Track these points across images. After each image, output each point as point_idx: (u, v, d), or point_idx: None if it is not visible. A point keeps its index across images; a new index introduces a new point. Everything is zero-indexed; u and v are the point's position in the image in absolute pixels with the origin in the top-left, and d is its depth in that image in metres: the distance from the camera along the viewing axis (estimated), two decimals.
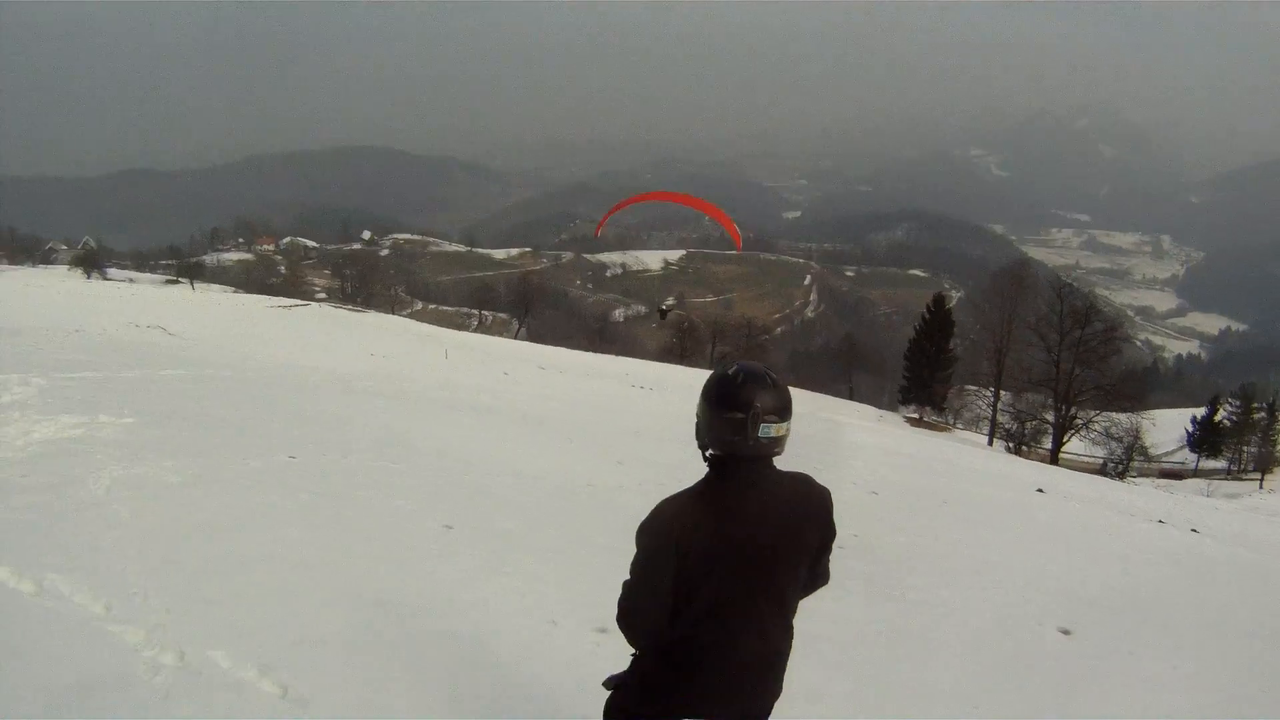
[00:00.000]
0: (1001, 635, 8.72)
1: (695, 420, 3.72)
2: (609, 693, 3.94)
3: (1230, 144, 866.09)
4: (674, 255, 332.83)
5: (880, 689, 6.74)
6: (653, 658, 3.71)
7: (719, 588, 3.54)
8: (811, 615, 7.96)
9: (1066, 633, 9.09)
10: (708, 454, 3.68)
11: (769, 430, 3.55)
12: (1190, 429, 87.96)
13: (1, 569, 6.15)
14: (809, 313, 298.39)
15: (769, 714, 3.94)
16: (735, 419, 3.53)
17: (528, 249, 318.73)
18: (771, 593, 3.68)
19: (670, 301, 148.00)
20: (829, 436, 32.97)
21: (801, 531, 3.74)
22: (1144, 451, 69.56)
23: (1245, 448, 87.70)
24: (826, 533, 3.90)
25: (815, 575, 3.98)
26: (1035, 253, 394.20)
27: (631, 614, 3.64)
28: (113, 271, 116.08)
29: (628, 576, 3.64)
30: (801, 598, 3.94)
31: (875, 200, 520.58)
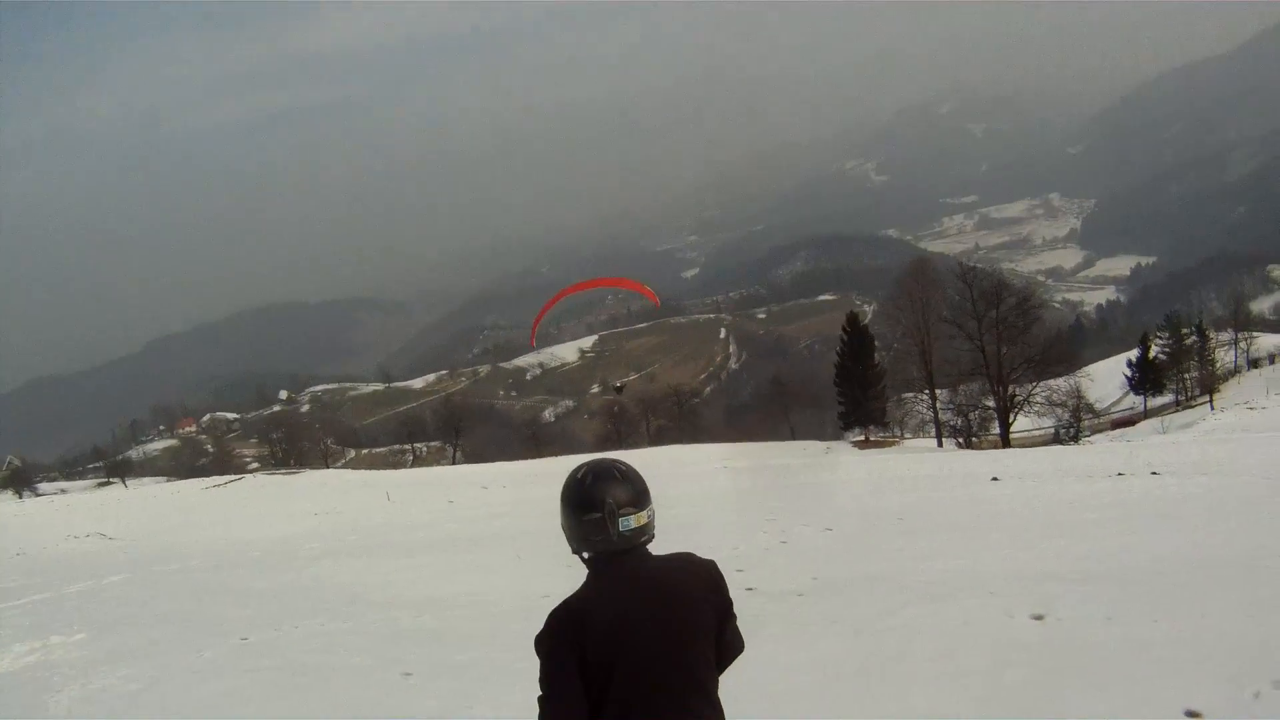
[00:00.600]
0: (973, 639, 8.69)
1: (561, 528, 3.77)
2: None
3: (1091, 87, 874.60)
4: (587, 342, 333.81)
5: None
6: None
7: (628, 683, 3.54)
8: (779, 667, 8.06)
9: (1039, 617, 9.09)
10: (584, 556, 3.75)
11: (629, 522, 3.62)
12: (1128, 374, 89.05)
13: None
14: (733, 364, 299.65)
15: None
16: (594, 519, 3.61)
17: (444, 371, 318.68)
18: (680, 673, 3.66)
19: (619, 382, 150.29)
20: (777, 483, 33.05)
21: (692, 609, 3.73)
22: (1090, 409, 70.06)
23: (1187, 375, 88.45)
24: (721, 603, 3.88)
25: (726, 647, 3.93)
26: (934, 246, 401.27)
27: None
28: (43, 486, 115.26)
29: (539, 692, 3.60)
30: (720, 671, 3.91)
31: (769, 237, 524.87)
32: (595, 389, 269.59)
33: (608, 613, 3.54)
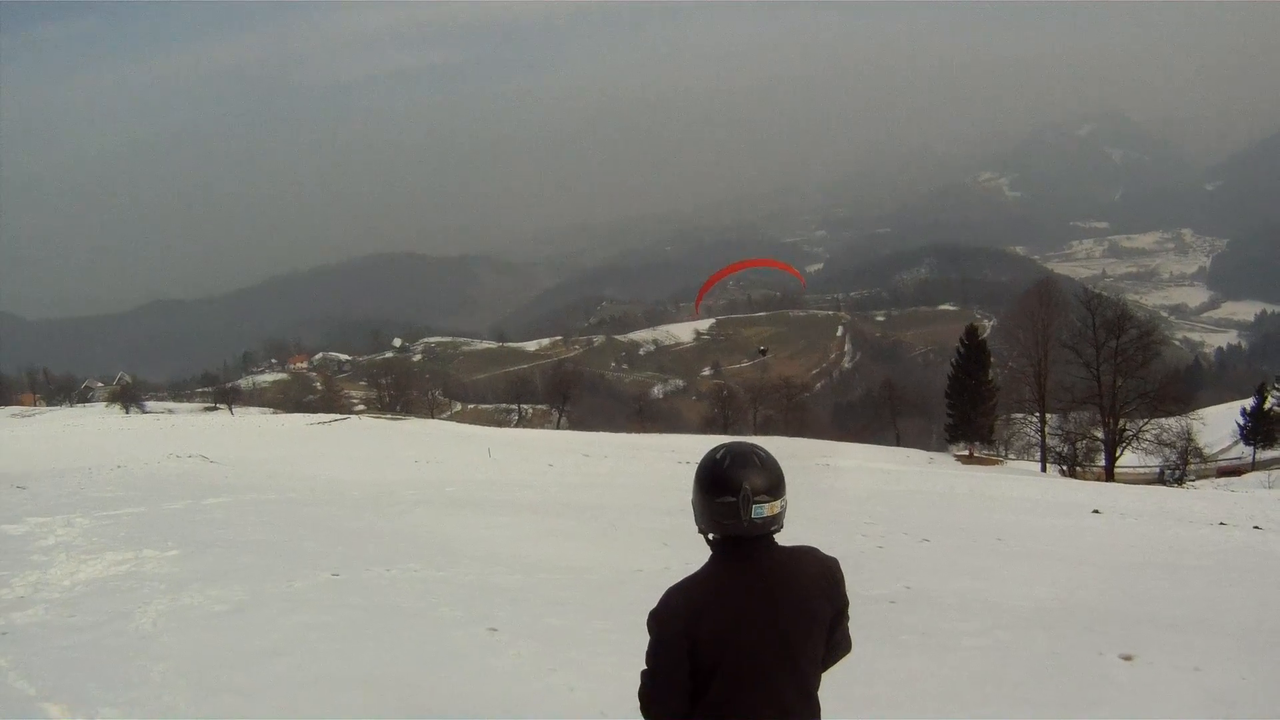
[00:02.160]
0: (1061, 671, 8.59)
1: (691, 506, 3.76)
2: None
3: (1236, 125, 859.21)
4: (704, 325, 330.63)
5: None
6: None
7: (735, 670, 3.55)
8: (862, 675, 7.98)
9: (1129, 658, 8.93)
10: (709, 538, 3.74)
11: (761, 510, 3.58)
12: (1241, 421, 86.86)
13: (54, 707, 6.21)
14: (846, 363, 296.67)
15: None
16: (727, 503, 3.57)
17: (558, 337, 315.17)
18: (788, 669, 3.67)
19: (764, 347, 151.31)
20: (878, 488, 32.76)
21: (810, 605, 3.73)
22: (1198, 453, 68.85)
23: None
24: (838, 603, 3.89)
25: (834, 645, 3.98)
26: (1059, 268, 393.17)
27: (651, 702, 3.65)
28: (150, 404, 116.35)
29: (644, 666, 3.65)
30: (825, 669, 3.95)
31: (895, 241, 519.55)
32: (707, 371, 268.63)
33: (725, 600, 3.56)
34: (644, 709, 3.65)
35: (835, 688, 6.37)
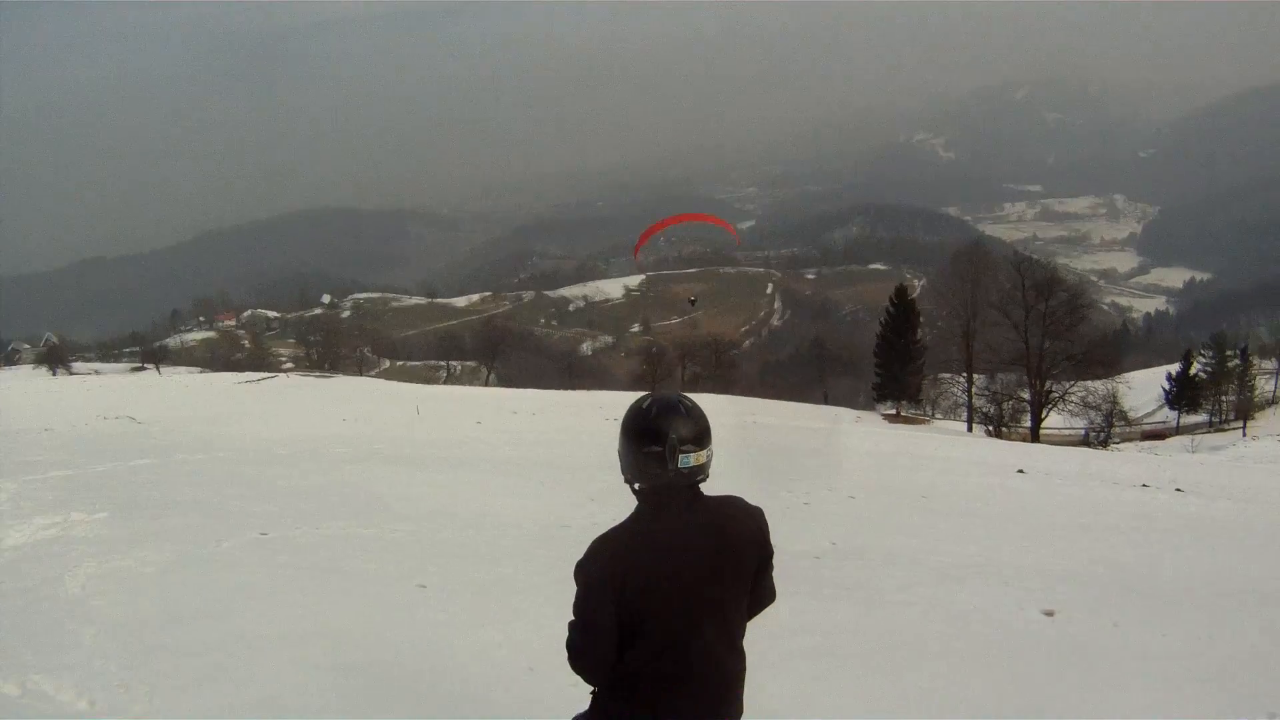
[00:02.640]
0: (984, 625, 8.75)
1: (618, 456, 3.78)
2: None
3: (1174, 94, 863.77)
4: (634, 281, 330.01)
5: (863, 697, 6.76)
6: (610, 693, 3.79)
7: (661, 620, 3.60)
8: (791, 629, 8.10)
9: (1050, 614, 9.11)
10: (635, 487, 3.76)
11: (688, 460, 3.63)
12: (1167, 387, 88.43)
13: None
14: (775, 321, 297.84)
15: None
16: (653, 452, 3.62)
17: (488, 293, 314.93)
18: (715, 618, 3.73)
19: (694, 297, 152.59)
20: (804, 445, 32.96)
21: (736, 554, 3.80)
22: (1123, 416, 69.86)
23: (1224, 397, 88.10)
24: (764, 552, 3.97)
25: (759, 595, 4.05)
26: (991, 230, 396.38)
27: (579, 652, 3.69)
28: (78, 365, 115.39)
29: (572, 616, 3.69)
30: (749, 618, 4.01)
31: (827, 199, 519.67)
32: (636, 328, 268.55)
33: (651, 550, 3.62)
34: (571, 659, 3.71)
35: (761, 639, 6.53)
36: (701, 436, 3.69)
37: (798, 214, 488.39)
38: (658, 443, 3.60)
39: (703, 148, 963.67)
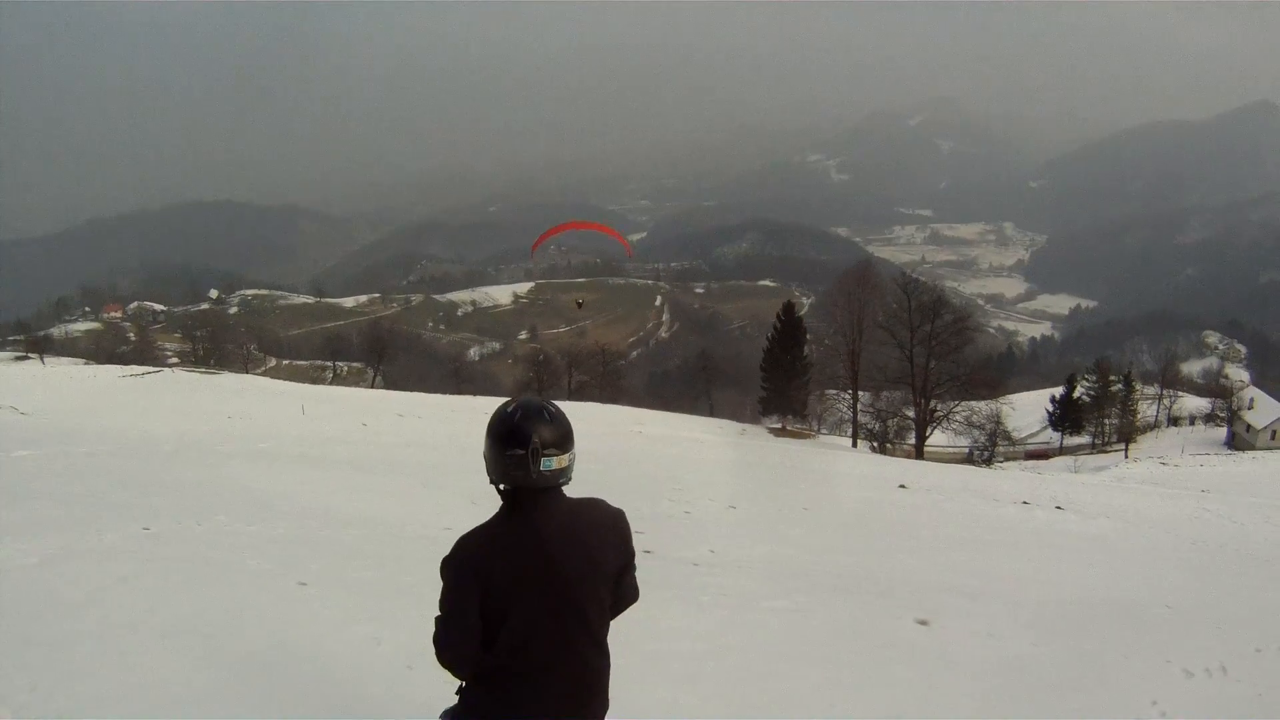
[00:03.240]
0: (857, 634, 8.87)
1: (483, 457, 3.87)
2: None
3: (1064, 128, 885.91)
4: (523, 288, 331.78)
5: (732, 700, 6.83)
6: (475, 687, 3.90)
7: (524, 616, 3.72)
8: (663, 632, 8.18)
9: (924, 623, 9.27)
10: (500, 488, 3.87)
11: (550, 463, 3.76)
12: (1050, 409, 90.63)
13: None
14: (663, 333, 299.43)
15: None
16: (517, 455, 3.72)
17: (376, 295, 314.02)
18: (577, 616, 3.85)
19: (580, 299, 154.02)
20: (687, 456, 33.11)
21: (597, 555, 3.92)
22: (1007, 436, 71.15)
23: (1106, 420, 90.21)
24: (625, 553, 4.09)
25: (621, 595, 4.14)
26: (881, 251, 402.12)
27: (444, 646, 3.78)
28: None
29: (438, 611, 3.78)
30: (612, 617, 4.12)
31: (720, 214, 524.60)
32: (524, 335, 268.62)
33: (513, 549, 3.72)
34: (437, 653, 3.80)
35: (632, 642, 6.52)
36: (564, 440, 3.83)
37: (689, 228, 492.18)
38: (521, 445, 3.72)
39: (596, 158, 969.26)
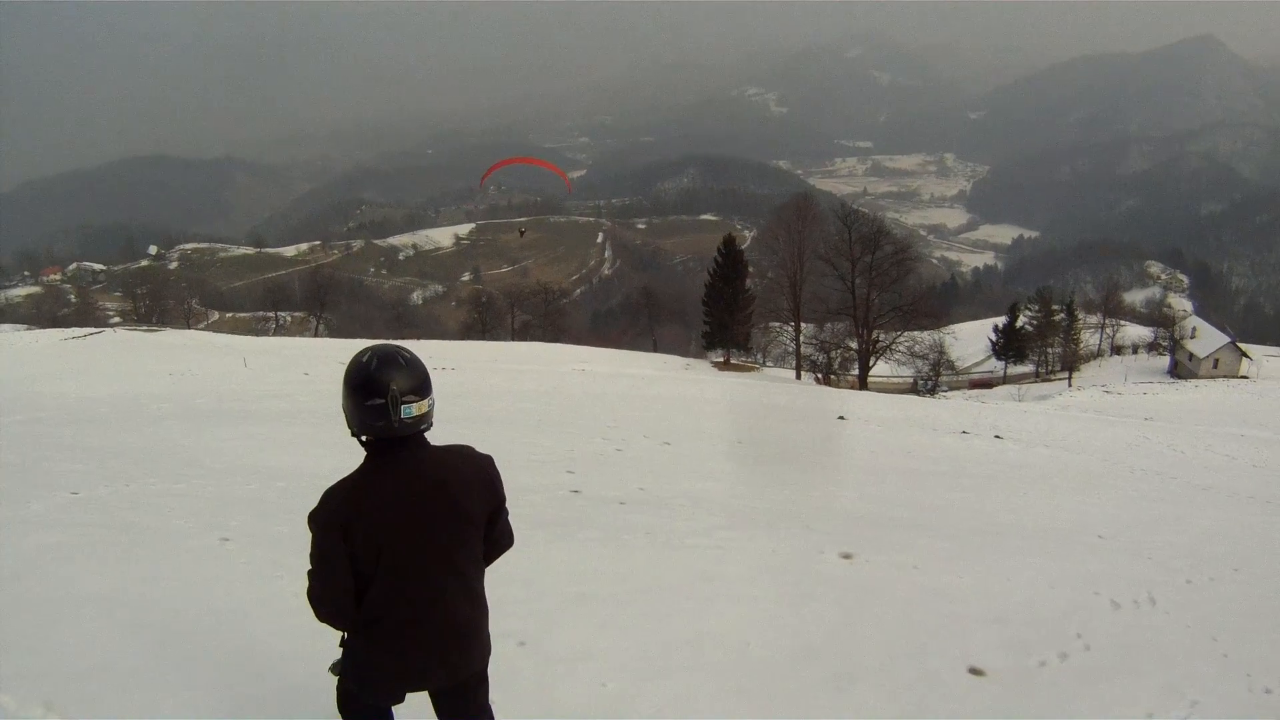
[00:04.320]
0: (778, 569, 8.90)
1: (342, 410, 3.92)
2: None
3: (1003, 60, 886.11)
4: (464, 229, 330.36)
5: (652, 642, 6.85)
6: (355, 638, 3.97)
7: (394, 567, 3.79)
8: (587, 572, 8.37)
9: (848, 557, 9.33)
10: (362, 440, 3.92)
11: (410, 410, 3.82)
12: (993, 338, 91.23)
13: None
14: (606, 270, 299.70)
15: (482, 671, 4.25)
16: (376, 405, 3.77)
17: (317, 242, 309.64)
18: (445, 563, 3.93)
19: (523, 229, 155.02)
20: (629, 393, 33.06)
21: (463, 503, 3.98)
22: (950, 365, 71.55)
23: (1050, 349, 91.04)
24: (495, 499, 4.15)
25: (496, 540, 4.23)
26: (822, 184, 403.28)
27: (317, 600, 3.85)
28: None
29: (308, 565, 3.82)
30: (488, 563, 4.21)
31: (658, 150, 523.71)
32: (467, 276, 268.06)
33: (379, 500, 3.79)
34: (312, 606, 3.87)
35: (555, 585, 6.34)
36: (422, 387, 3.89)
37: (629, 164, 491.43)
38: (380, 395, 3.77)
39: (531, 96, 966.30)
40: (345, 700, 4.21)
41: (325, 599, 3.82)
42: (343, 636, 4.07)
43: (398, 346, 3.96)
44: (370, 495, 3.78)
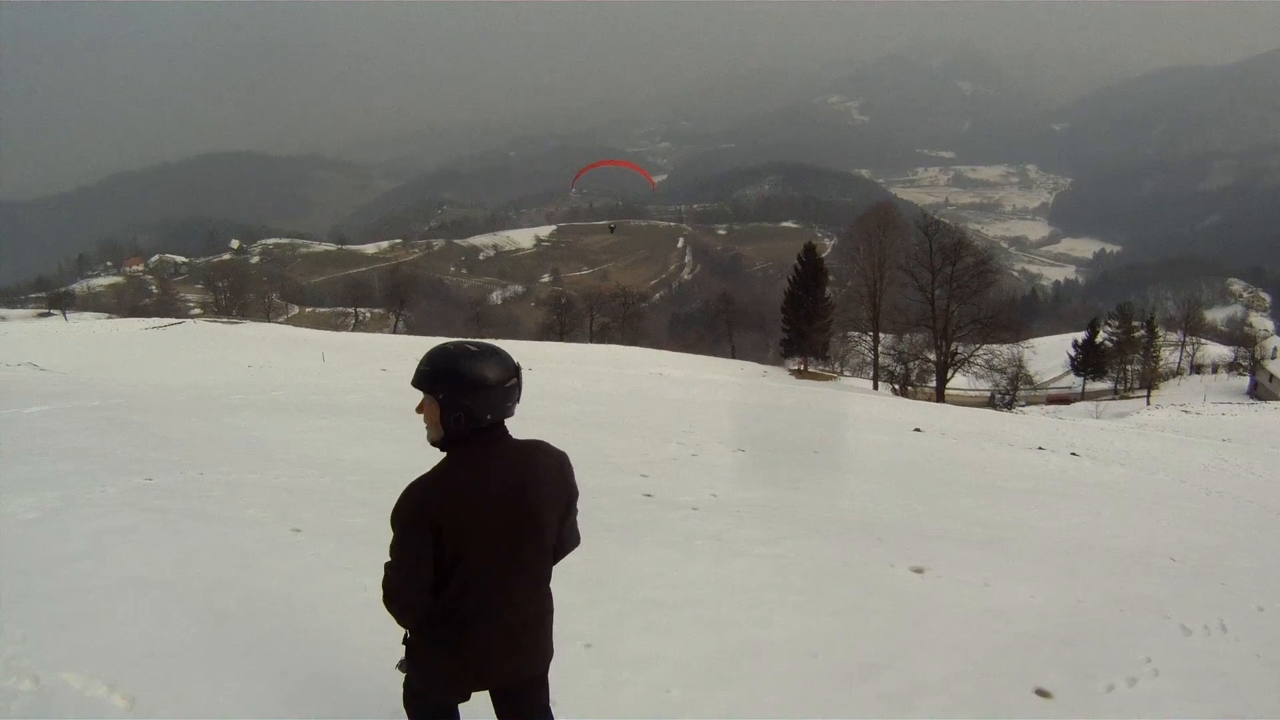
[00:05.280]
0: (847, 580, 8.77)
1: (461, 402, 3.82)
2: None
3: (1085, 69, 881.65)
4: (545, 231, 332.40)
5: (717, 649, 6.77)
6: (420, 636, 3.94)
7: (471, 558, 3.76)
8: (652, 576, 8.27)
9: (919, 571, 9.16)
10: (453, 434, 3.87)
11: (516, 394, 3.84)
12: (1072, 353, 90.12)
13: None
14: (685, 275, 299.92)
15: (544, 672, 4.23)
16: (513, 385, 3.84)
17: (398, 240, 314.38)
18: (522, 558, 3.91)
19: (614, 224, 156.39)
20: (703, 399, 33.04)
21: (543, 496, 3.95)
22: (1029, 379, 70.98)
23: (1129, 366, 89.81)
24: (568, 495, 4.15)
25: (564, 538, 4.18)
26: (904, 193, 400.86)
27: (396, 594, 3.82)
28: None
29: (388, 558, 3.83)
30: (555, 562, 4.16)
31: (740, 156, 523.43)
32: (546, 278, 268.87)
33: (463, 491, 3.76)
34: (387, 599, 3.86)
35: (618, 587, 6.32)
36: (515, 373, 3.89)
37: (709, 169, 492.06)
38: (514, 374, 3.85)
39: (612, 102, 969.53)
40: (411, 698, 4.20)
41: (404, 590, 3.82)
42: (405, 634, 4.07)
43: (487, 344, 3.98)
44: (455, 488, 3.76)
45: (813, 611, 7.74)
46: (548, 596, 4.14)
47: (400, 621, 3.92)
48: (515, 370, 3.83)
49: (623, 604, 7.28)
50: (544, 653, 4.18)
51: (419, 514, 3.69)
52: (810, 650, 6.85)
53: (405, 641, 4.05)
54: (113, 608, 6.59)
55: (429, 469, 3.85)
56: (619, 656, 6.39)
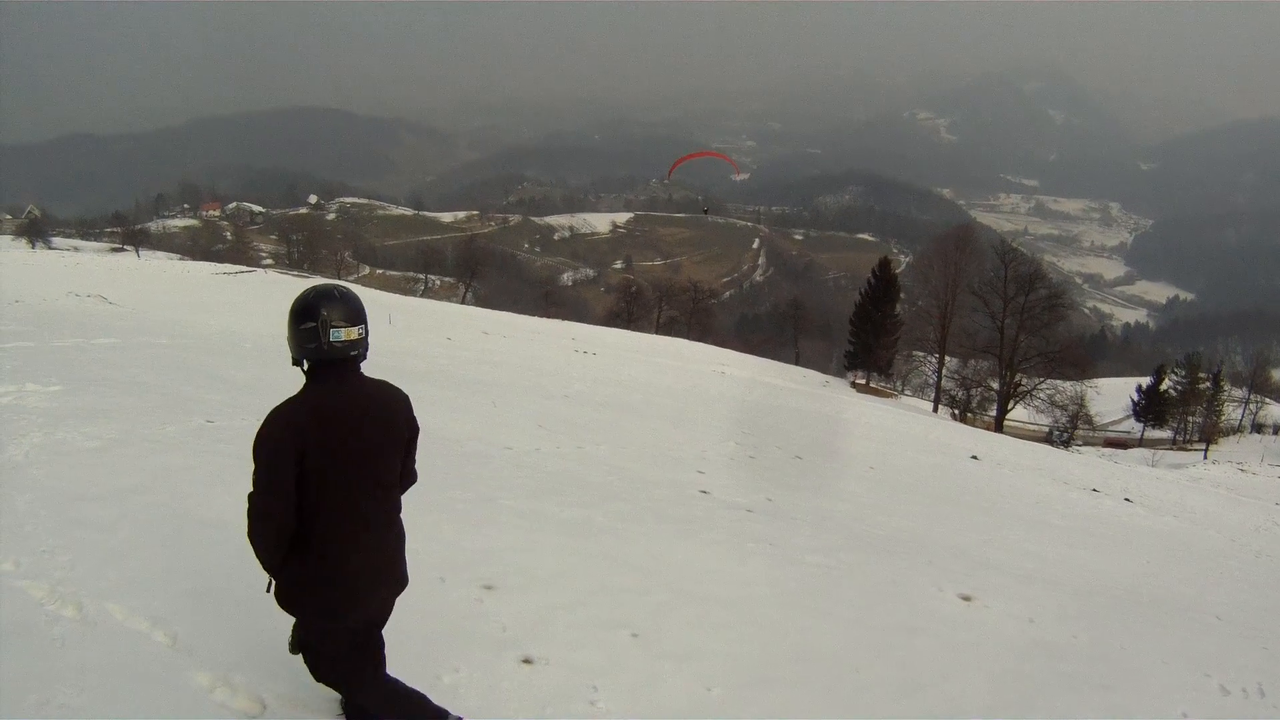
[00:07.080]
0: (895, 599, 8.76)
1: (286, 342, 4.29)
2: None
3: (1179, 111, 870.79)
4: (622, 218, 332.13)
5: (761, 652, 6.78)
6: (290, 580, 4.26)
7: (334, 482, 4.10)
8: (702, 571, 8.33)
9: (967, 599, 9.11)
10: (303, 366, 4.29)
11: (339, 334, 4.17)
12: (1136, 398, 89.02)
13: None
14: (757, 276, 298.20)
15: (391, 608, 4.69)
16: (308, 328, 4.14)
17: (475, 211, 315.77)
18: (380, 483, 4.37)
19: (706, 207, 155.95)
20: (765, 402, 33.03)
21: (390, 426, 4.42)
22: (1088, 420, 70.23)
23: (1190, 418, 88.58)
24: (412, 428, 4.61)
25: (407, 470, 4.65)
26: (984, 217, 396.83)
27: (268, 515, 4.07)
28: (57, 240, 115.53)
29: (250, 489, 4.06)
30: (398, 495, 4.53)
31: (824, 163, 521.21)
32: (619, 264, 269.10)
33: (322, 418, 4.12)
34: (253, 525, 4.13)
35: (668, 578, 6.35)
36: (353, 316, 4.25)
37: (792, 173, 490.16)
38: (311, 319, 4.13)
39: (700, 93, 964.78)
40: (312, 653, 4.49)
41: (271, 514, 4.06)
42: (270, 582, 4.35)
43: (336, 283, 4.50)
44: (315, 415, 4.08)
45: (861, 626, 7.76)
46: (400, 525, 4.61)
47: (266, 550, 4.17)
48: (314, 315, 4.12)
49: (670, 595, 7.35)
50: (402, 580, 4.66)
51: (286, 431, 4.01)
52: (855, 664, 6.86)
53: (276, 596, 4.33)
54: (164, 544, 6.71)
55: (289, 396, 4.20)
56: (664, 648, 6.44)
